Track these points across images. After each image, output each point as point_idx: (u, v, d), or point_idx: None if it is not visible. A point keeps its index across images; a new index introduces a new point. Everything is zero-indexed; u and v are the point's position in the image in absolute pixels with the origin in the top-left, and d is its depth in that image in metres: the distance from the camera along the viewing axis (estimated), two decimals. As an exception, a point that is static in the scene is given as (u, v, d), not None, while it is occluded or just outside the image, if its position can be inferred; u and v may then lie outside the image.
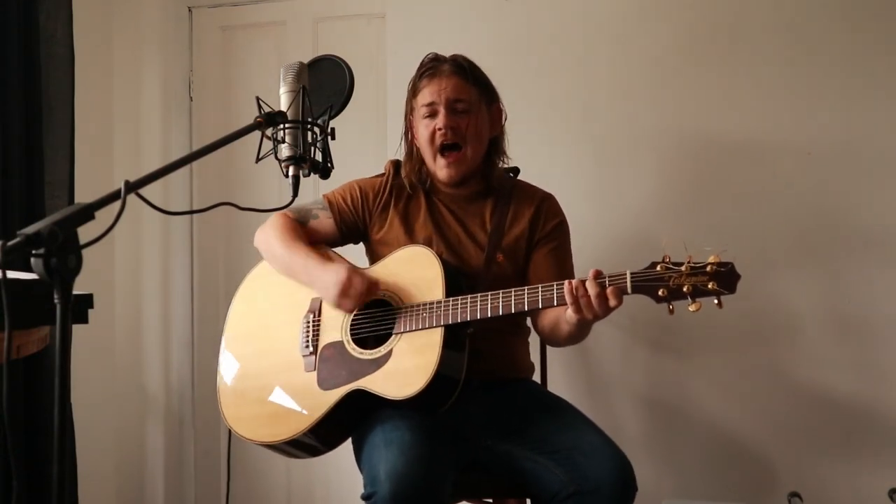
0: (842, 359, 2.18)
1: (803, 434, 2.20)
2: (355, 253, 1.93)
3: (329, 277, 1.72)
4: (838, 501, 2.16)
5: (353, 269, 1.73)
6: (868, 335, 2.16)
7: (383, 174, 1.93)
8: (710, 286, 1.45)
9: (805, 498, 2.08)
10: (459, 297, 1.63)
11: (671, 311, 1.48)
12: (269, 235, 1.86)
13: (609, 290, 1.49)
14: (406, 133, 1.89)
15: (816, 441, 2.19)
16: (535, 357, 2.01)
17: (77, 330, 2.08)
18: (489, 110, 1.86)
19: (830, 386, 2.18)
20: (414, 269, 1.73)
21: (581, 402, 1.90)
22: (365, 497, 1.54)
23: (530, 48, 2.40)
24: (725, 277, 1.45)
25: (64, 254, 0.93)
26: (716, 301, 1.46)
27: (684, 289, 1.47)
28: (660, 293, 1.48)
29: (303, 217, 1.90)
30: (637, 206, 2.30)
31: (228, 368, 1.85)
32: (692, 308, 1.46)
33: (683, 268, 1.48)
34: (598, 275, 1.52)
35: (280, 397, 1.75)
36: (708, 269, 1.46)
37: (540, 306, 1.59)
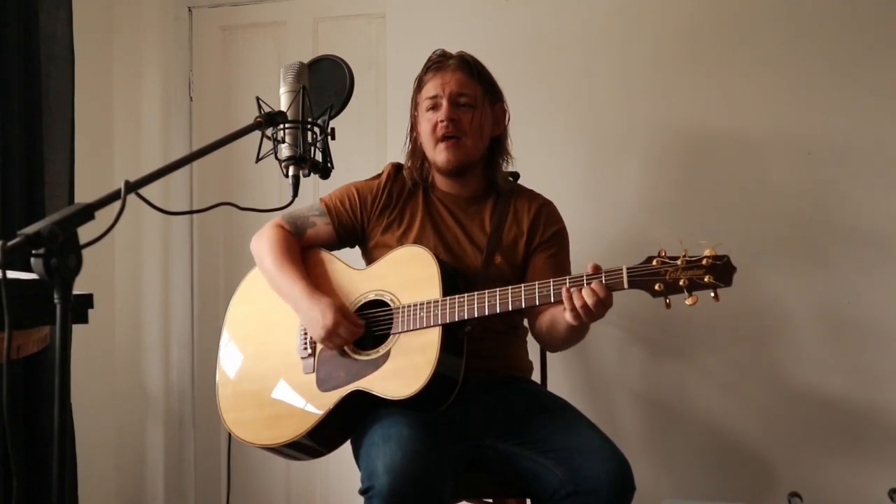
0: (841, 358, 2.18)
1: (803, 434, 2.20)
2: (352, 255, 1.93)
3: (315, 315, 1.70)
4: (838, 501, 2.15)
5: (340, 313, 1.69)
6: (867, 335, 2.16)
7: (380, 176, 1.93)
8: (706, 279, 1.45)
9: (805, 498, 2.08)
10: (456, 296, 1.63)
11: (668, 306, 1.48)
12: (263, 248, 1.85)
13: (603, 294, 1.48)
14: (411, 130, 1.90)
15: (816, 441, 2.19)
16: (534, 357, 2.01)
17: (77, 330, 2.09)
18: (493, 109, 1.87)
19: (830, 386, 2.18)
20: (411, 269, 1.72)
21: (580, 402, 1.90)
22: (362, 491, 1.53)
23: (530, 48, 2.39)
24: (721, 270, 1.44)
25: (64, 254, 0.93)
26: (712, 294, 1.45)
27: (680, 283, 1.46)
28: (656, 287, 1.47)
29: (300, 226, 1.88)
30: (636, 207, 2.30)
31: (227, 372, 1.85)
32: (689, 302, 1.45)
33: (679, 262, 1.47)
34: (597, 269, 1.52)
35: (279, 400, 1.75)
36: (704, 262, 1.45)
37: (537, 303, 1.58)
